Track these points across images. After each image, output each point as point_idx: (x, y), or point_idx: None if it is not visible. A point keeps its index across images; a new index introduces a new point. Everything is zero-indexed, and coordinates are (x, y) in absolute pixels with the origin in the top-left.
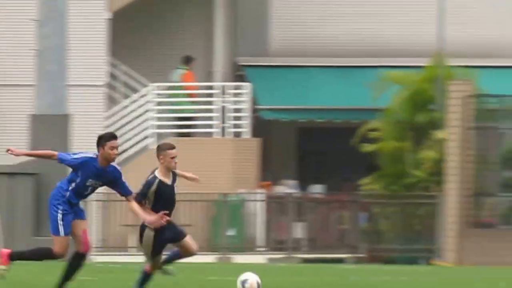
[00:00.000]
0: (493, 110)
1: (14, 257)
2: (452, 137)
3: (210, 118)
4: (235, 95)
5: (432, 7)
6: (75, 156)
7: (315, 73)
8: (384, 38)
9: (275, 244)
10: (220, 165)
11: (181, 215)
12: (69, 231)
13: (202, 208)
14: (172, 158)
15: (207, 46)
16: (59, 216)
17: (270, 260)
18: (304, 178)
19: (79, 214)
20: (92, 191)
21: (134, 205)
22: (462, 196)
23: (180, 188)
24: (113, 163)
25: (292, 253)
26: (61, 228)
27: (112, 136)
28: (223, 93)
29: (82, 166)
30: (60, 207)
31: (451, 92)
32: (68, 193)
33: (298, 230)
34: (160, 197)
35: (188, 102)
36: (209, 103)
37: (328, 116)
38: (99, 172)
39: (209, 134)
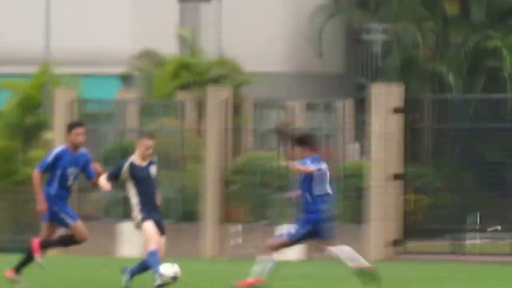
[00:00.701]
0: (94, 114)
1: (44, 245)
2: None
3: None
4: None
5: (40, 17)
6: (48, 156)
7: None
8: None
9: None
10: None
11: None
12: (76, 216)
13: None
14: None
15: None
16: (60, 212)
17: None
18: None
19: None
20: (74, 180)
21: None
22: None
23: None
24: (83, 149)
25: None
26: (68, 220)
27: (77, 124)
28: None
29: (58, 159)
30: (56, 206)
31: (57, 97)
32: (54, 191)
33: None
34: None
35: None
36: None
37: None
38: (74, 158)
39: None
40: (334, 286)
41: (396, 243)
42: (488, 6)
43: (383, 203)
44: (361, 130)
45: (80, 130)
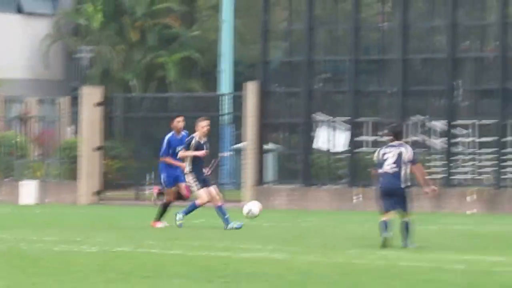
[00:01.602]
0: None
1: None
2: None
3: None
4: None
5: None
6: (164, 144)
7: None
8: None
9: None
10: None
11: None
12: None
13: None
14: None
15: None
16: (190, 179)
17: None
18: None
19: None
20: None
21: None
22: None
23: None
24: (183, 132)
25: None
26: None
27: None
28: None
29: (169, 142)
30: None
31: None
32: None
33: None
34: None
35: None
36: None
37: None
38: (179, 140)
39: None
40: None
41: (99, 193)
42: (159, 34)
43: (90, 166)
44: (75, 118)
45: (179, 119)
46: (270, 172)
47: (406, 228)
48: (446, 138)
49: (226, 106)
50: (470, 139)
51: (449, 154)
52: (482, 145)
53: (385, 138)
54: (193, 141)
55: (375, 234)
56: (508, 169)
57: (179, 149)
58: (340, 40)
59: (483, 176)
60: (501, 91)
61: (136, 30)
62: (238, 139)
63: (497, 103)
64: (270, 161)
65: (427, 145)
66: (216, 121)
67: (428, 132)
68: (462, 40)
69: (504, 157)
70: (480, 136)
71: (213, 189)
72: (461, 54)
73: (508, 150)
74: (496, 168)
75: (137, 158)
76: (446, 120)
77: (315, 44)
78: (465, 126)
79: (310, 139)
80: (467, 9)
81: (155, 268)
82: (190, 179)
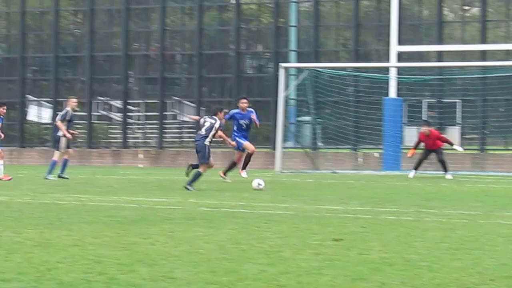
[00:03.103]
0: None
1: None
2: None
3: None
4: None
5: None
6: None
7: None
8: None
9: None
10: None
11: None
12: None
13: None
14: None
15: None
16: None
17: None
18: None
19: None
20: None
21: None
22: None
23: None
24: (250, 109)
25: None
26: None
27: (242, 97)
28: None
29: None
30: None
31: None
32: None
33: None
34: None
35: None
36: None
37: None
38: (244, 115)
39: None
40: None
41: None
42: None
43: None
44: None
45: (243, 101)
46: None
47: None
48: (123, 113)
49: None
50: (141, 114)
51: (125, 124)
52: (148, 118)
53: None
54: None
55: (68, 182)
56: (167, 135)
57: None
58: (44, 42)
59: (150, 140)
60: (161, 79)
61: None
62: None
63: (158, 87)
64: None
65: (110, 117)
66: None
67: (110, 108)
68: (133, 42)
69: (165, 126)
70: (147, 111)
71: None
72: (132, 52)
73: (168, 121)
74: (159, 135)
75: None
76: (123, 100)
77: (27, 45)
78: (137, 104)
79: (24, 113)
80: (137, 19)
81: None
82: None
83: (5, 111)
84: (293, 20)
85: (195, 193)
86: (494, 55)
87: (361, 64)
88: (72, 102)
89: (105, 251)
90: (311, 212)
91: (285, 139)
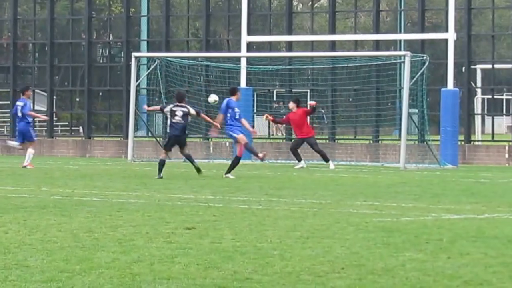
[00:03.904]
0: None
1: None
2: None
3: None
4: None
5: None
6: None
7: None
8: None
9: None
10: None
11: None
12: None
13: None
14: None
15: None
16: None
17: None
18: None
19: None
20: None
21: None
22: None
23: None
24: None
25: None
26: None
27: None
28: None
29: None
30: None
31: None
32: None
33: None
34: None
35: None
36: None
37: None
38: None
39: None
40: None
41: None
42: None
43: None
44: None
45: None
46: None
47: None
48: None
49: None
50: None
51: None
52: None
53: None
54: None
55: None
56: None
57: None
58: None
59: (1, 129)
60: (13, 68)
61: None
62: None
63: (10, 76)
64: None
65: None
66: None
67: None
68: None
69: None
70: None
71: None
72: None
73: None
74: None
75: None
76: None
77: None
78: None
79: None
80: None
81: None
82: None
83: (30, 93)
84: (144, 10)
85: (48, 181)
86: (343, 45)
87: (212, 54)
88: None
89: None
90: (164, 200)
91: (137, 128)
